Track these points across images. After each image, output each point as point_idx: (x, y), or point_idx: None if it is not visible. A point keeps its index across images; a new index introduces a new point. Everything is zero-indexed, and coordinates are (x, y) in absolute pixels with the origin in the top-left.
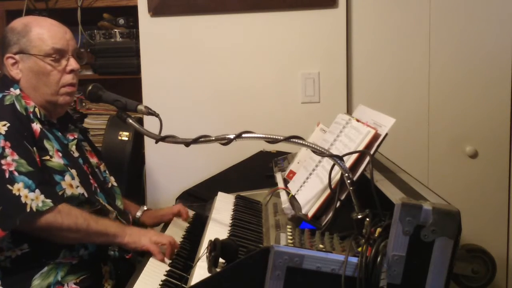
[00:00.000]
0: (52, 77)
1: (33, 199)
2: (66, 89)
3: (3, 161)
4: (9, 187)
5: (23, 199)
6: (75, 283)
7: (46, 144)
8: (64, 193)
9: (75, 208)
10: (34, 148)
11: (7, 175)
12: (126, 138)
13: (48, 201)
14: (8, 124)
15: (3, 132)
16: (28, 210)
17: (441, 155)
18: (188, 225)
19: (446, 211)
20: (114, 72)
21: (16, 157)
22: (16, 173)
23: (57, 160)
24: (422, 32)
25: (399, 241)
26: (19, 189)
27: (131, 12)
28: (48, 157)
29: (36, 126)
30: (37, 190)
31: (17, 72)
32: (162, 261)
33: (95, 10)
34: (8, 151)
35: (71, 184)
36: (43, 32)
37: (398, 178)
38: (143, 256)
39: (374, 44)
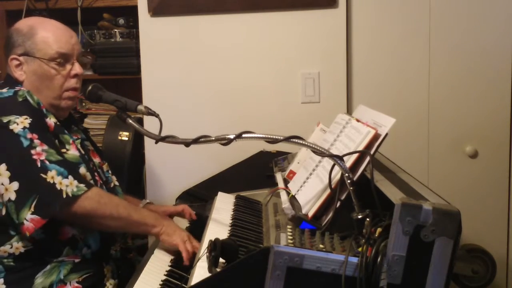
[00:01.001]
0: (56, 81)
1: (68, 185)
2: (69, 93)
3: (33, 151)
4: (43, 175)
5: (58, 186)
6: (77, 282)
7: (62, 138)
8: None
9: (115, 196)
10: (56, 140)
11: (39, 164)
12: (126, 138)
13: (82, 185)
14: (30, 118)
15: (27, 125)
16: (65, 196)
17: (441, 155)
18: (188, 225)
19: (446, 211)
20: (114, 72)
21: (45, 147)
22: (47, 162)
23: (73, 152)
24: (422, 32)
25: (399, 241)
26: (53, 176)
27: (131, 12)
28: (64, 150)
29: (50, 121)
30: (70, 177)
31: (20, 74)
32: (187, 262)
33: (95, 10)
34: (36, 142)
35: (85, 176)
36: (49, 36)
37: (398, 178)
38: (143, 256)
39: (374, 44)
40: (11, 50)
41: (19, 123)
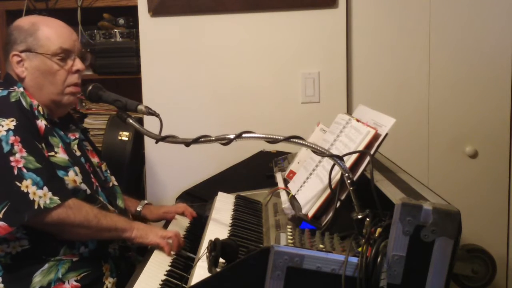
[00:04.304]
0: (59, 77)
1: (41, 196)
2: (71, 89)
3: (11, 158)
4: (18, 183)
5: (31, 196)
6: (76, 280)
7: (51, 141)
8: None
9: (85, 203)
10: (43, 144)
11: (15, 172)
12: (126, 138)
13: (56, 198)
14: (16, 121)
15: (12, 127)
16: (36, 207)
17: (441, 155)
18: (188, 225)
19: (446, 211)
20: (114, 72)
21: (24, 153)
22: (24, 170)
23: (61, 155)
24: (422, 32)
25: (399, 241)
26: (28, 186)
27: (131, 12)
28: (53, 153)
29: (41, 123)
30: (45, 187)
31: (22, 70)
32: (169, 254)
33: (95, 10)
34: (17, 147)
35: (74, 180)
36: (51, 32)
37: (398, 178)
38: (143, 255)
39: (374, 44)
40: (12, 47)
41: (4, 126)
